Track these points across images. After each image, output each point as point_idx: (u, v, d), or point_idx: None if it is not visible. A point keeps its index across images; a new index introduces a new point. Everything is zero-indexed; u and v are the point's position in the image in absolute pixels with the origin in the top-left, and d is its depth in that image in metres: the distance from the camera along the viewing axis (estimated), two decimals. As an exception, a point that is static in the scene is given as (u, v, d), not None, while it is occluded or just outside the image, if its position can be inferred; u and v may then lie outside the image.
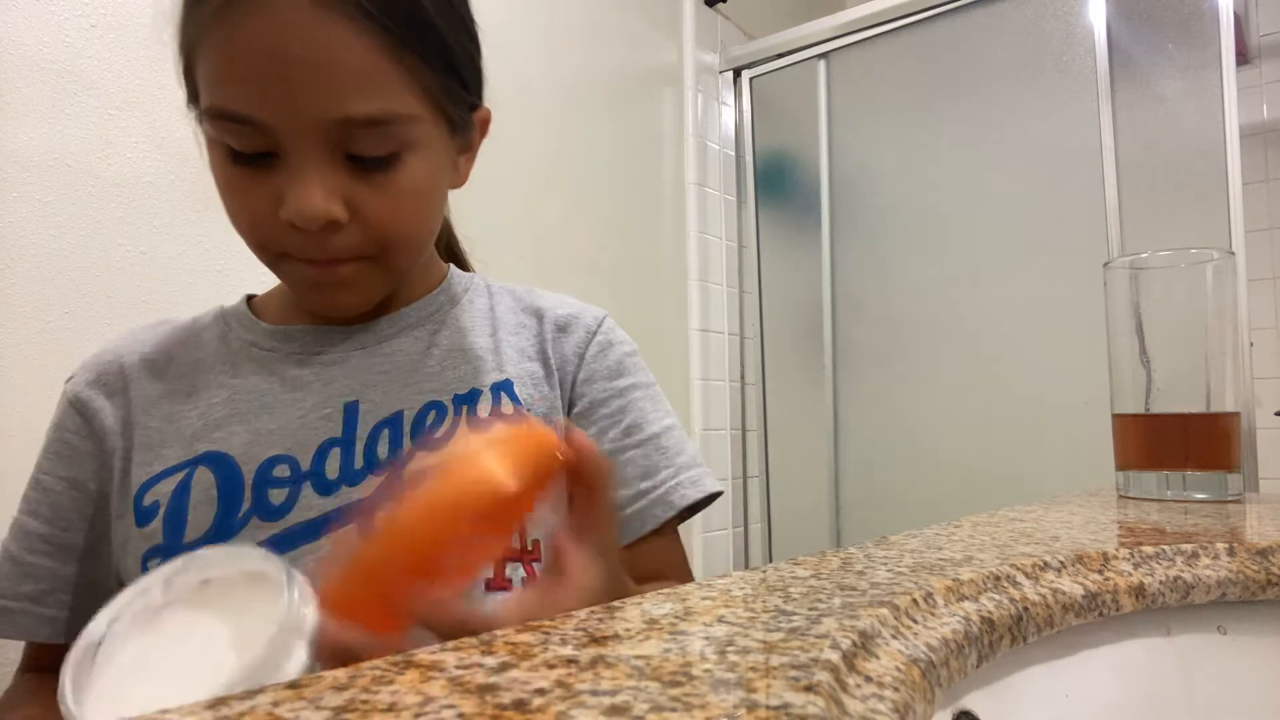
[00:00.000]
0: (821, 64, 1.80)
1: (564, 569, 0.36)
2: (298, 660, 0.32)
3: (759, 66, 1.89)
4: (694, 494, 0.59)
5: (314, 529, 0.51)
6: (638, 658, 0.21)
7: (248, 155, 0.47)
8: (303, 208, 0.46)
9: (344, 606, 0.30)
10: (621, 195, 1.64)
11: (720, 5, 1.89)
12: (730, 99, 1.93)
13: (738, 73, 1.92)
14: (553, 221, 1.47)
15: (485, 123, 0.59)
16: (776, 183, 1.90)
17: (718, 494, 0.61)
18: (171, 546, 0.50)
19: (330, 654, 0.32)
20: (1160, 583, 0.37)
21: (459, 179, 0.58)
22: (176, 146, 0.95)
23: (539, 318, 0.62)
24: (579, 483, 0.38)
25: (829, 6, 1.95)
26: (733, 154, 1.93)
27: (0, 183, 0.82)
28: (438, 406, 0.56)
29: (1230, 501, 0.61)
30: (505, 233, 1.36)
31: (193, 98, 0.50)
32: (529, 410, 0.58)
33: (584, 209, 1.54)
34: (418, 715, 0.17)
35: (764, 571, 0.33)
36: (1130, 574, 0.37)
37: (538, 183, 1.44)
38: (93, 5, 0.90)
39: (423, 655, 0.21)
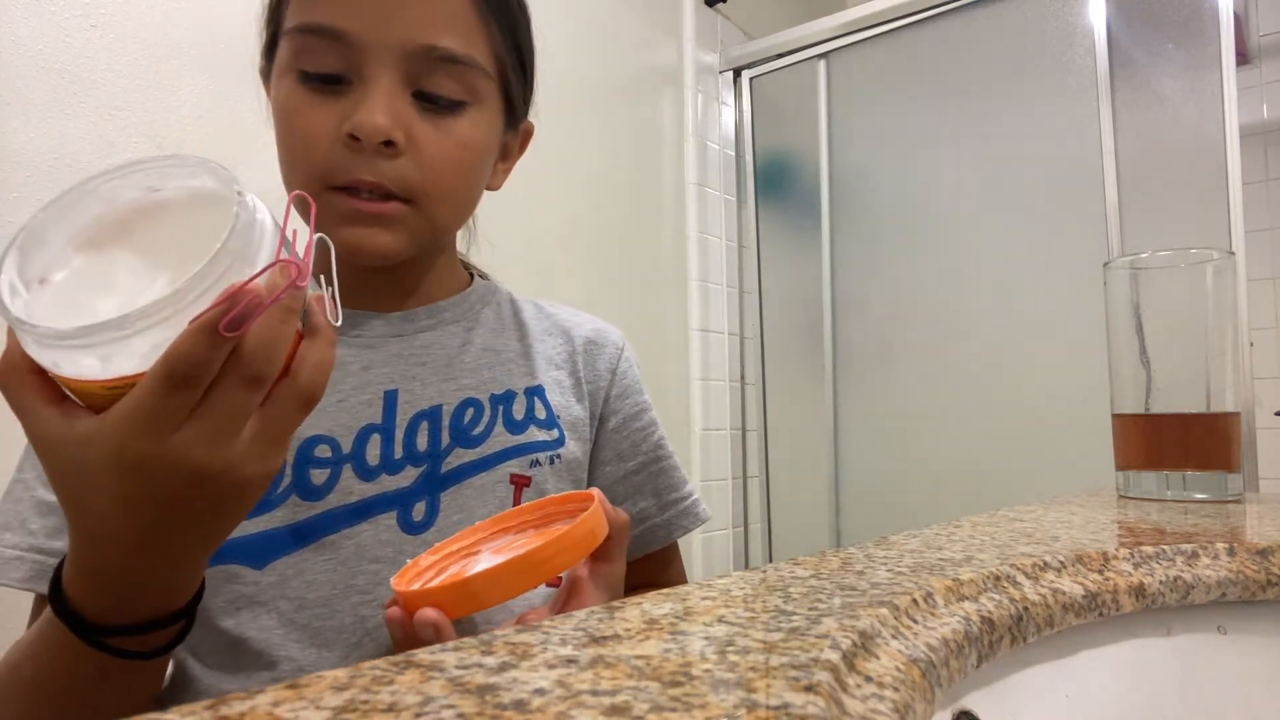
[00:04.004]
0: (821, 64, 1.80)
1: (579, 597, 0.44)
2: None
3: (759, 66, 1.89)
4: (706, 512, 0.66)
5: (354, 513, 0.51)
6: (638, 658, 0.21)
7: (320, 79, 0.49)
8: (366, 121, 0.48)
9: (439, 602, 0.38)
10: (621, 195, 1.64)
11: (720, 5, 1.89)
12: (730, 99, 1.93)
13: (738, 73, 1.92)
14: (553, 222, 1.47)
15: (528, 135, 0.63)
16: (776, 183, 1.90)
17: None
18: None
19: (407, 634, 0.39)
20: (1160, 583, 0.37)
21: (495, 180, 0.60)
22: (176, 146, 0.95)
23: (567, 333, 0.64)
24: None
25: (829, 6, 1.95)
26: (733, 154, 1.93)
27: (0, 183, 0.82)
28: (475, 404, 0.57)
29: (1230, 501, 0.61)
30: (505, 233, 1.36)
31: (269, 47, 0.53)
32: (558, 416, 0.60)
33: (584, 209, 1.54)
34: (418, 715, 0.17)
35: (764, 571, 0.33)
36: (1130, 574, 0.37)
37: (538, 183, 1.44)
38: (93, 5, 0.90)
39: (423, 655, 0.21)
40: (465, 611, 0.38)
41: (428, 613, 0.38)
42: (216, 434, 0.31)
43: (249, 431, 0.32)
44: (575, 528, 0.40)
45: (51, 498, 0.50)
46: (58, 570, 0.37)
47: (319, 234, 0.37)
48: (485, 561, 0.45)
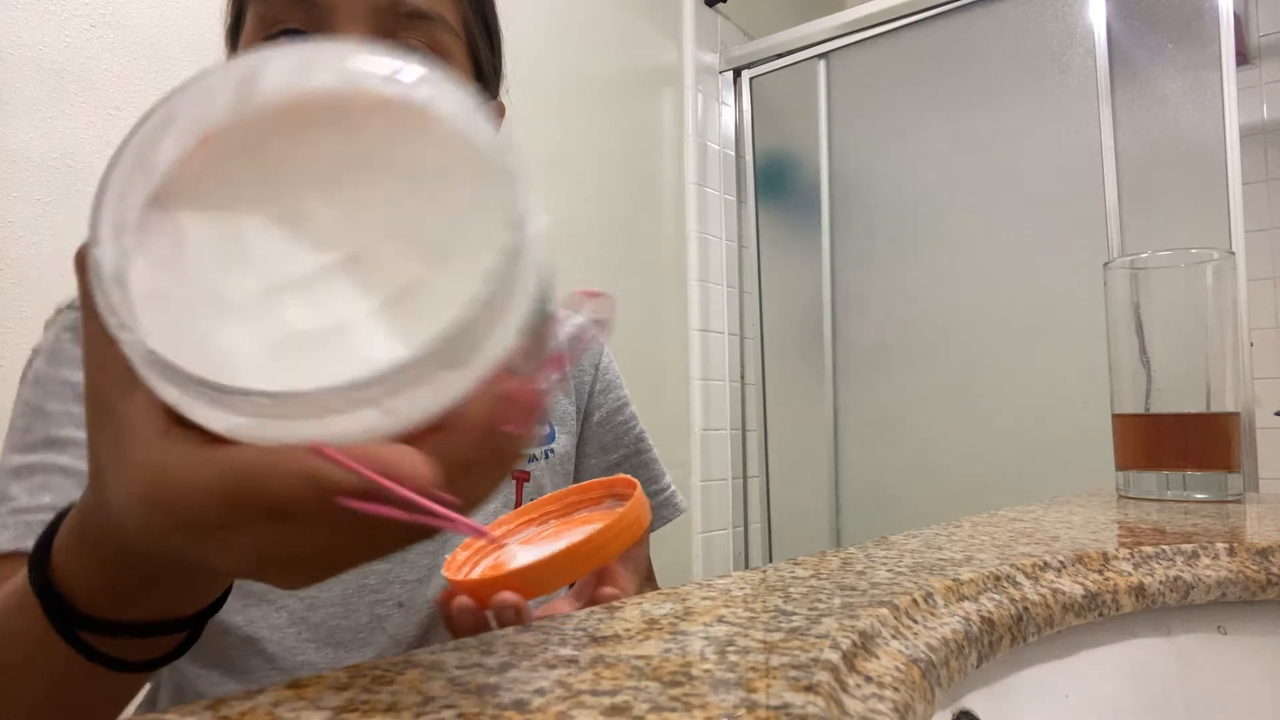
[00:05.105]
0: (821, 64, 1.80)
1: (612, 579, 0.44)
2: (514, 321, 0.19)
3: (759, 66, 1.89)
4: (684, 502, 0.68)
5: None
6: (638, 658, 0.21)
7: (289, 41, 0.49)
8: None
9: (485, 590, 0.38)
10: (621, 195, 1.64)
11: (720, 5, 1.89)
12: (730, 99, 1.93)
13: (738, 73, 1.92)
14: (553, 221, 1.47)
15: (500, 114, 0.61)
16: (776, 183, 1.90)
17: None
18: None
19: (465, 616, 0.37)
20: (1160, 583, 0.37)
21: None
22: (176, 146, 0.95)
23: None
24: None
25: (829, 6, 1.95)
26: (733, 154, 1.93)
27: (0, 183, 0.82)
28: None
29: (1230, 501, 0.61)
30: (505, 233, 1.36)
31: (233, 31, 0.53)
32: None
33: (584, 209, 1.54)
34: (418, 715, 0.17)
35: (764, 571, 0.33)
36: (1130, 574, 0.37)
37: (538, 183, 1.44)
38: (93, 5, 0.90)
39: (423, 655, 0.21)
40: (527, 598, 0.39)
41: (507, 595, 0.38)
42: (277, 570, 0.21)
43: (309, 565, 0.21)
44: (628, 511, 0.40)
45: (28, 459, 0.46)
46: (49, 536, 0.27)
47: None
48: (517, 553, 0.45)
